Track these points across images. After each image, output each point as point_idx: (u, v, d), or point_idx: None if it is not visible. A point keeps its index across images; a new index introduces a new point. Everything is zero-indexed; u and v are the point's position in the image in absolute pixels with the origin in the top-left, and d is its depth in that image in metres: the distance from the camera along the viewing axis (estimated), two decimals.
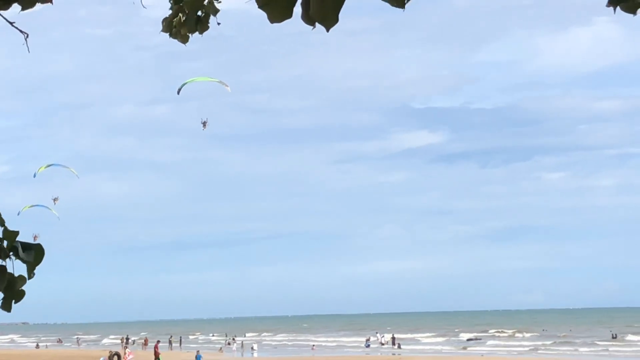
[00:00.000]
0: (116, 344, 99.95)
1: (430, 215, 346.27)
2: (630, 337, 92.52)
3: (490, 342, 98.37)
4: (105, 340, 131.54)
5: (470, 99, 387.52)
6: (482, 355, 71.76)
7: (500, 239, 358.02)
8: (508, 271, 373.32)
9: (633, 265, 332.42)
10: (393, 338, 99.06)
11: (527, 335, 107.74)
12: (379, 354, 79.49)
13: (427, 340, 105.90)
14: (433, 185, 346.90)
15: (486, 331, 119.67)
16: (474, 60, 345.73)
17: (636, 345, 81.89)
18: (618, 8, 3.66)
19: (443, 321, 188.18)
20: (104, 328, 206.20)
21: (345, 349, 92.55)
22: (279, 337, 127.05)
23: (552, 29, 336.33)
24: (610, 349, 79.72)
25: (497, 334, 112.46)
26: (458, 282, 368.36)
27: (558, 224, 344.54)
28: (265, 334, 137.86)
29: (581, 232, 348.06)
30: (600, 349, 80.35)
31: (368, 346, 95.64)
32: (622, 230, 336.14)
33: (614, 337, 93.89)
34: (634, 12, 3.67)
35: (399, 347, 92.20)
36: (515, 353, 77.91)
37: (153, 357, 68.31)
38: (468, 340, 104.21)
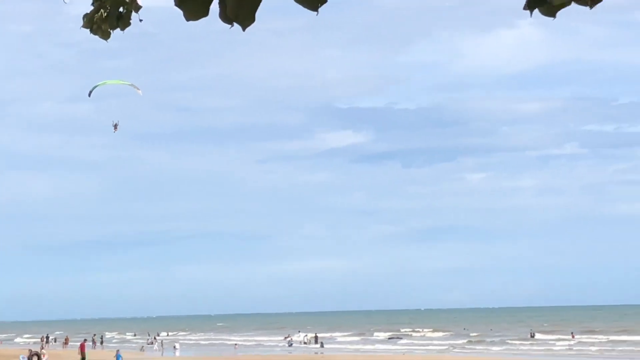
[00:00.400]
0: (33, 343, 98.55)
1: (354, 215, 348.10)
2: (541, 336, 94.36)
3: (408, 340, 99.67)
4: (18, 339, 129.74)
5: (395, 99, 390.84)
6: (404, 354, 72.43)
7: (423, 238, 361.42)
8: (430, 271, 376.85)
9: (553, 265, 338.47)
10: (316, 337, 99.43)
11: (445, 334, 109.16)
12: (303, 352, 79.71)
13: (346, 339, 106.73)
14: (357, 185, 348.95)
15: (406, 330, 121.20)
16: (398, 61, 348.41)
17: (547, 344, 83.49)
18: (536, 11, 3.73)
19: (364, 320, 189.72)
20: (21, 327, 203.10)
21: (268, 348, 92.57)
22: (195, 336, 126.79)
23: (476, 31, 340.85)
24: (522, 347, 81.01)
25: (413, 333, 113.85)
26: (381, 282, 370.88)
27: (480, 225, 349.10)
28: (181, 333, 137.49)
29: (503, 232, 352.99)
30: (512, 347, 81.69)
31: (291, 345, 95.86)
32: (543, 231, 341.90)
33: (532, 336, 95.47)
34: (552, 15, 3.67)
35: (322, 345, 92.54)
36: (434, 352, 78.76)
37: (74, 355, 67.56)
38: (389, 338, 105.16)
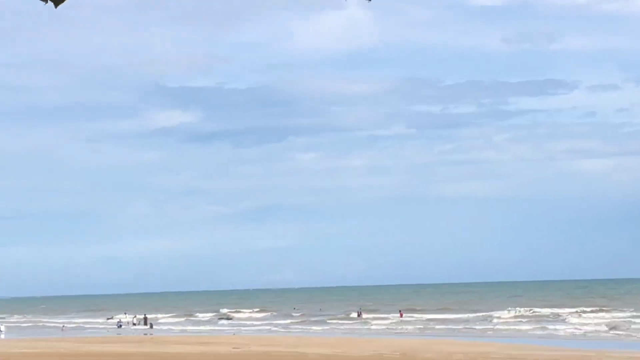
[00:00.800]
0: None
1: (183, 195, 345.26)
2: (368, 315, 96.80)
3: (235, 320, 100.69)
4: None
5: (224, 79, 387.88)
6: (233, 334, 72.94)
7: (253, 218, 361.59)
8: (261, 251, 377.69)
9: (381, 244, 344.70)
10: (145, 318, 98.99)
11: (272, 313, 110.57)
12: (133, 334, 79.13)
13: (170, 320, 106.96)
14: (186, 164, 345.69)
15: (231, 310, 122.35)
16: (227, 40, 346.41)
17: (370, 323, 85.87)
18: None
19: (191, 300, 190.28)
20: None
21: (96, 330, 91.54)
22: (14, 318, 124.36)
23: (305, 11, 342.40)
24: (342, 327, 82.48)
25: (238, 314, 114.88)
26: (210, 262, 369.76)
27: (310, 204, 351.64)
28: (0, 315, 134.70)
29: (333, 212, 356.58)
30: (331, 326, 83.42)
31: (120, 326, 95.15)
32: (371, 210, 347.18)
33: (359, 315, 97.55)
34: None
35: (151, 327, 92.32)
36: (265, 331, 79.64)
37: None
38: (220, 319, 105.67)
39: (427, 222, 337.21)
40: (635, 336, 58.00)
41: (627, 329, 64.56)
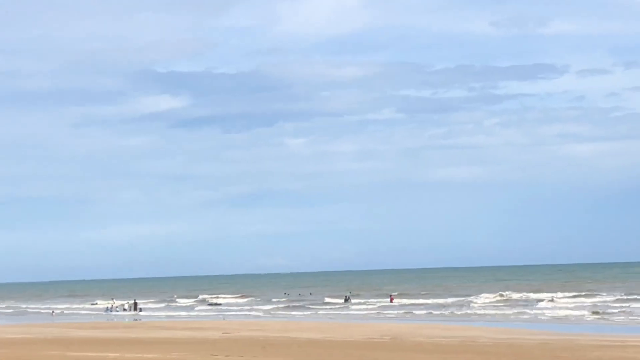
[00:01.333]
0: None
1: (173, 180, 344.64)
2: (358, 300, 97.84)
3: (224, 307, 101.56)
4: None
5: (213, 64, 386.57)
6: (223, 319, 73.58)
7: (243, 204, 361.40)
8: (251, 236, 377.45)
9: (371, 228, 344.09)
10: (135, 303, 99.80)
11: (260, 299, 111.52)
12: (125, 320, 79.81)
13: (156, 305, 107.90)
14: (175, 150, 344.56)
15: (224, 295, 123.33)
16: (216, 25, 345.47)
17: (358, 307, 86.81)
18: None
19: (175, 285, 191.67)
20: None
21: (86, 316, 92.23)
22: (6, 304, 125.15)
23: None
24: (321, 312, 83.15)
25: (219, 299, 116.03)
26: (200, 247, 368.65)
27: (301, 189, 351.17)
28: None
29: (323, 197, 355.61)
30: (321, 311, 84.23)
31: (110, 312, 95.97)
32: (362, 195, 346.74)
33: (347, 300, 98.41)
34: None
35: (140, 311, 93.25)
36: (252, 316, 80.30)
37: None
38: (209, 304, 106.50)
39: (417, 206, 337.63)
40: (618, 320, 58.84)
41: (611, 313, 65.45)
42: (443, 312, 74.17)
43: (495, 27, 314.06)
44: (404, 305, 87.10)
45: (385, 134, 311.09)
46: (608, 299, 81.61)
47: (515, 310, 72.63)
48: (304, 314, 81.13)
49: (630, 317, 60.66)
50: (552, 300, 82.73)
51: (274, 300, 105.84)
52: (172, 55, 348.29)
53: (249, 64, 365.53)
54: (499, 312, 72.11)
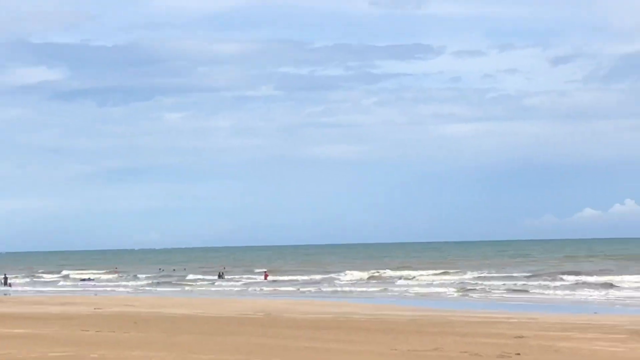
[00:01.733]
0: None
1: (47, 153, 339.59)
2: (230, 277, 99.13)
3: (98, 281, 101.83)
4: None
5: (90, 36, 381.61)
6: (95, 295, 73.90)
7: (119, 179, 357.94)
8: (127, 211, 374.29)
9: (248, 205, 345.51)
10: (5, 278, 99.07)
11: (129, 275, 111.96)
12: None
13: (17, 280, 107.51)
14: (50, 123, 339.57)
15: (95, 270, 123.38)
16: None
17: (231, 283, 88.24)
18: None
19: (49, 260, 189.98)
20: None
21: None
22: None
23: None
24: (194, 288, 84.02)
25: (102, 273, 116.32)
26: (74, 222, 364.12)
27: (178, 165, 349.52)
28: None
29: (200, 172, 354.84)
30: (193, 287, 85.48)
31: None
32: (239, 172, 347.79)
33: (220, 276, 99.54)
34: None
35: (10, 286, 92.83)
36: (123, 293, 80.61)
37: None
38: (82, 280, 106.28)
39: (295, 184, 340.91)
40: (477, 297, 61.33)
41: (471, 290, 68.14)
42: (310, 290, 75.70)
43: (375, 6, 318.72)
44: (277, 281, 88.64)
45: (263, 110, 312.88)
46: (470, 276, 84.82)
47: (381, 287, 74.60)
48: (176, 290, 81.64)
49: (488, 295, 63.27)
50: (415, 278, 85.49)
51: (146, 276, 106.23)
52: (48, 26, 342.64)
53: (127, 37, 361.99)
54: (365, 289, 73.91)
